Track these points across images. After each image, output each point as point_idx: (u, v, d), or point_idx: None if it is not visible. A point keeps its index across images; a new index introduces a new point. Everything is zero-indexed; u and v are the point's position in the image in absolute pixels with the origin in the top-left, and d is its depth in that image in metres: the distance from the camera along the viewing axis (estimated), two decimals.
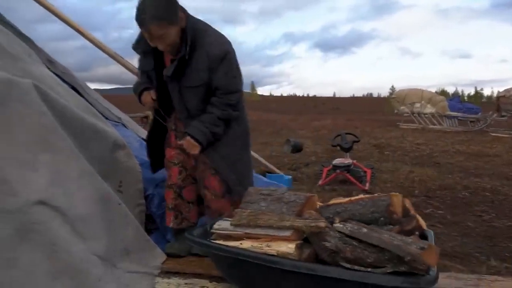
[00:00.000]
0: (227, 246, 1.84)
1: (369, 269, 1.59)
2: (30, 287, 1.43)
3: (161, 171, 2.66)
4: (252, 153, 4.83)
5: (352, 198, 2.00)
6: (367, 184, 4.70)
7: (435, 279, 1.49)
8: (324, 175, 4.98)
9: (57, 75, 3.01)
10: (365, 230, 1.67)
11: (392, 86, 47.55)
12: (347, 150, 5.10)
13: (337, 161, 4.94)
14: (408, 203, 1.91)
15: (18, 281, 1.41)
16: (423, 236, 1.83)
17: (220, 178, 2.29)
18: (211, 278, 2.15)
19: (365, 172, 4.96)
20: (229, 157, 2.29)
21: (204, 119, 2.18)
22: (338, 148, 5.24)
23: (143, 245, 2.14)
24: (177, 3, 2.08)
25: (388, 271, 1.56)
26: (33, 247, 1.48)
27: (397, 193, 1.87)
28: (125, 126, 3.46)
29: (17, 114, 1.78)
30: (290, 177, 4.54)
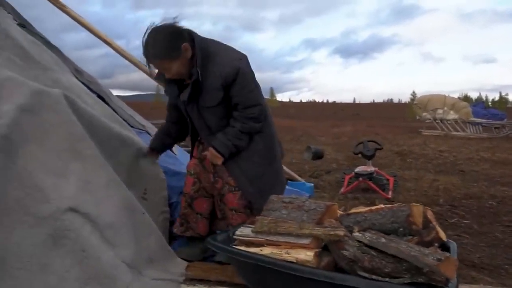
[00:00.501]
0: (247, 252, 1.86)
1: (386, 279, 1.58)
2: None
3: None
4: None
5: (372, 208, 1.98)
6: (390, 193, 4.63)
7: None
8: (345, 183, 4.92)
9: (84, 84, 3.09)
10: (383, 240, 1.66)
11: (413, 92, 46.79)
12: (369, 157, 5.03)
13: (359, 168, 4.88)
14: (430, 214, 1.88)
15: (51, 286, 1.44)
16: (445, 248, 1.79)
17: (240, 194, 2.30)
18: (235, 286, 2.16)
19: (387, 180, 4.88)
20: (248, 172, 2.30)
21: (227, 131, 2.24)
22: (360, 155, 5.18)
23: (165, 254, 2.17)
24: (178, 38, 2.13)
25: (405, 281, 1.55)
26: (65, 253, 1.51)
27: (418, 204, 1.85)
28: (149, 134, 3.51)
29: (48, 123, 1.84)
30: (312, 184, 4.52)
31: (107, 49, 3.84)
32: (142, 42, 2.14)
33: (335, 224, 1.87)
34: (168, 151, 3.43)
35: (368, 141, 5.28)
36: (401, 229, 1.79)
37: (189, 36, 2.18)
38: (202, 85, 2.19)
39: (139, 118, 3.75)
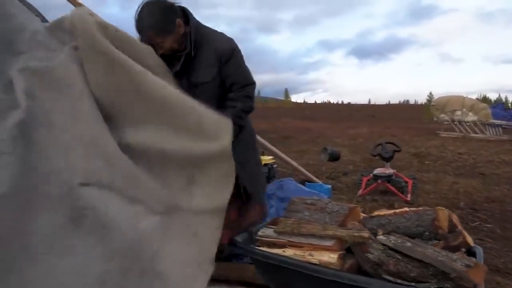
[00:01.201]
0: (271, 253, 1.86)
1: (412, 284, 1.55)
2: (88, 271, 1.49)
3: None
4: (291, 161, 4.84)
5: (397, 211, 1.97)
6: (409, 195, 4.58)
7: None
8: (363, 185, 4.89)
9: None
10: (409, 244, 1.64)
11: (430, 93, 46.03)
12: (387, 159, 4.99)
13: (378, 170, 4.84)
14: (455, 218, 1.86)
15: (76, 267, 1.46)
16: (471, 252, 1.76)
17: None
18: (256, 286, 2.17)
19: (406, 182, 4.83)
20: (237, 158, 2.20)
21: (230, 111, 2.15)
22: (378, 157, 5.14)
23: None
24: (173, 12, 2.12)
25: (432, 287, 1.52)
26: (86, 233, 1.52)
27: (443, 208, 1.83)
28: None
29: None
30: (329, 186, 4.50)
31: None
32: (135, 16, 2.09)
33: (358, 226, 1.87)
34: None
35: (386, 143, 5.23)
36: (426, 233, 1.77)
37: (183, 13, 2.17)
38: (195, 60, 2.17)
39: None
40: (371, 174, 4.90)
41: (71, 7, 3.72)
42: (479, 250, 1.80)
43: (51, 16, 3.39)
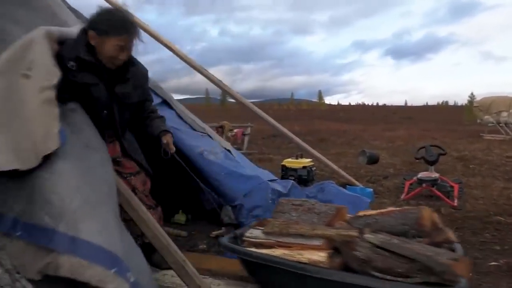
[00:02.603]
0: (261, 253, 1.91)
1: (399, 279, 1.62)
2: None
3: (252, 180, 2.72)
4: (331, 164, 4.75)
5: (383, 211, 2.08)
6: (456, 200, 4.38)
7: None
8: (406, 189, 4.73)
9: (150, 88, 3.19)
10: (396, 241, 1.72)
11: (472, 94, 44.14)
12: (432, 163, 4.80)
13: (422, 174, 4.66)
14: (436, 217, 1.95)
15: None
16: (451, 249, 1.84)
17: (141, 175, 2.50)
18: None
19: (452, 187, 4.62)
20: (136, 152, 2.54)
21: (163, 120, 2.53)
22: (422, 161, 4.95)
23: None
24: None
25: (418, 281, 1.59)
26: None
27: (426, 207, 1.95)
28: (210, 137, 3.57)
29: None
30: (371, 190, 4.38)
31: (159, 55, 4.03)
32: (120, 17, 2.11)
33: (346, 226, 1.98)
34: (228, 154, 3.47)
35: (431, 145, 5.03)
36: (411, 231, 1.86)
37: None
38: (127, 75, 2.27)
39: (199, 122, 3.83)
40: (415, 178, 4.73)
41: None
42: (458, 246, 1.88)
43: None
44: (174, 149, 2.41)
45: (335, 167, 4.73)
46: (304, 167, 5.06)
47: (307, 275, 1.75)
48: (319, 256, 1.79)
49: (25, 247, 1.28)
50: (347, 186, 4.39)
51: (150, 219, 1.94)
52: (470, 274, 1.57)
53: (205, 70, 4.06)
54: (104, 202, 1.57)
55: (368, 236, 1.76)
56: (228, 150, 3.53)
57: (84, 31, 2.12)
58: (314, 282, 1.77)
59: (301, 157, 5.40)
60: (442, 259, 1.55)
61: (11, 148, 1.44)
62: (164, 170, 2.76)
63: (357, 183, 4.85)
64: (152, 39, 3.92)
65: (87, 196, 1.50)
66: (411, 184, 4.77)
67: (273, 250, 1.93)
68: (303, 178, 4.90)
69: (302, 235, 1.89)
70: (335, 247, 1.84)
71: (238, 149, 6.21)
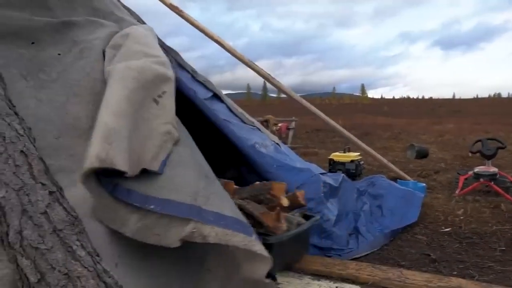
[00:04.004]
0: None
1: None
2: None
3: (304, 173, 2.72)
4: (381, 158, 4.64)
5: (251, 185, 2.59)
6: None
7: (281, 240, 2.21)
8: (460, 184, 4.52)
9: (200, 82, 3.26)
10: (245, 203, 2.28)
11: None
12: (489, 157, 4.55)
13: (479, 169, 4.44)
14: (301, 195, 2.53)
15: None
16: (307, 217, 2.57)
17: None
18: (361, 284, 2.11)
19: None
20: None
21: None
22: (479, 155, 4.71)
23: None
24: None
25: (256, 231, 1.87)
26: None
27: (282, 182, 2.53)
28: (260, 130, 3.59)
29: None
30: (424, 184, 4.25)
31: (202, 51, 4.07)
32: None
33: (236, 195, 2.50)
34: (277, 147, 3.48)
35: (488, 139, 4.78)
36: (265, 199, 2.43)
37: None
38: None
39: (247, 115, 3.86)
40: (471, 172, 4.51)
41: (152, 14, 3.94)
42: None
43: (147, 19, 3.62)
44: None
45: (385, 161, 4.62)
46: (352, 161, 4.98)
47: None
48: None
49: (157, 219, 1.53)
50: (398, 180, 4.28)
51: None
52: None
53: (255, 64, 4.08)
54: (215, 178, 1.90)
55: (238, 201, 2.26)
56: (277, 144, 3.54)
57: None
58: None
59: (349, 151, 5.31)
60: (256, 213, 2.20)
61: (128, 153, 1.60)
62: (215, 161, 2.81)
63: (407, 177, 4.71)
64: (201, 34, 4.00)
65: (206, 175, 1.83)
66: (465, 179, 4.56)
67: None
68: (351, 172, 4.82)
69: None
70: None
71: (283, 143, 6.20)
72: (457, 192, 4.42)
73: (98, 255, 1.19)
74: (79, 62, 2.03)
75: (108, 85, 1.81)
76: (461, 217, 3.57)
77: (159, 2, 3.95)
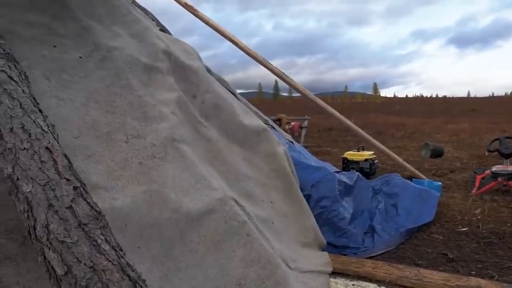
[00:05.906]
0: None
1: None
2: (229, 270, 1.57)
3: (319, 171, 2.71)
4: (396, 157, 4.61)
5: None
6: None
7: None
8: (477, 183, 4.46)
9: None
10: None
11: None
12: (507, 156, 4.48)
13: (497, 167, 4.37)
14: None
15: (219, 263, 1.56)
16: None
17: None
18: (376, 282, 2.10)
19: None
20: None
21: None
22: (496, 153, 4.64)
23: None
24: None
25: None
26: (232, 234, 1.62)
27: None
28: (274, 128, 3.60)
29: None
30: (439, 183, 4.20)
31: (214, 51, 4.09)
32: None
33: None
34: (292, 145, 3.48)
35: (506, 137, 4.70)
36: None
37: None
38: None
39: (261, 113, 3.87)
40: (488, 172, 4.45)
41: (166, 14, 3.97)
42: None
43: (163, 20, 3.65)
44: None
45: (400, 159, 4.59)
46: (366, 160, 4.95)
47: None
48: None
49: None
50: (413, 179, 4.24)
51: None
52: None
53: (269, 62, 4.09)
54: None
55: None
56: (291, 142, 3.55)
57: None
58: None
59: (363, 150, 5.28)
60: None
61: None
62: None
63: (423, 176, 4.67)
64: (214, 33, 4.01)
65: None
66: (482, 178, 4.50)
67: None
68: (365, 171, 4.79)
69: None
70: None
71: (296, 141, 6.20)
72: (473, 191, 4.36)
73: (121, 250, 1.21)
74: (100, 71, 2.06)
75: None
76: (479, 217, 3.53)
77: (174, 1, 3.98)
